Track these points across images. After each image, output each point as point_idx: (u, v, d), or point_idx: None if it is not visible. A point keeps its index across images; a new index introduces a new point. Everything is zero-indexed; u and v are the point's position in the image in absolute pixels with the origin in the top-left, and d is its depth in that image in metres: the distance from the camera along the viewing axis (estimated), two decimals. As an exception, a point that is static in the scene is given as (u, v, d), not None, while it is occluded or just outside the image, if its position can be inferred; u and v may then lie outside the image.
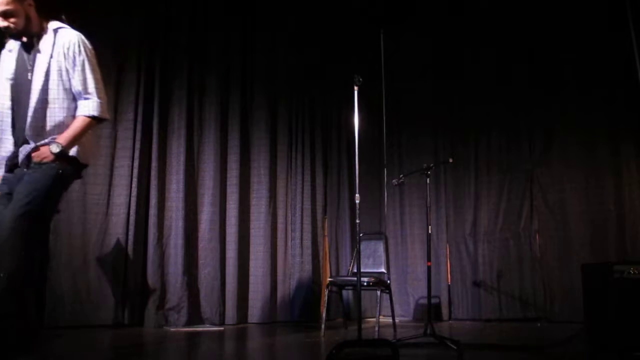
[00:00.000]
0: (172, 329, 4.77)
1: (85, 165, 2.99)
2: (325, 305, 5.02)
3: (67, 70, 2.85)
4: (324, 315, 4.85)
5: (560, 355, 3.40)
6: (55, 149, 2.72)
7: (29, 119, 2.75)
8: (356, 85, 3.44)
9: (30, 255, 2.61)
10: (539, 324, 5.53)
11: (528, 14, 6.07)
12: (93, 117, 2.86)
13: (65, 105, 2.84)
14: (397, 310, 6.04)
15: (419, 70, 6.81)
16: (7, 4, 2.72)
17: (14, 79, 2.85)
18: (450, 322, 6.03)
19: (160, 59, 5.32)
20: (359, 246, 3.46)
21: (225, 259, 5.49)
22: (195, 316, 5.16)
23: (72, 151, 2.82)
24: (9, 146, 2.85)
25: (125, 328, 4.70)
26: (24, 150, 2.79)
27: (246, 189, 5.80)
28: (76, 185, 4.72)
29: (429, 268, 3.98)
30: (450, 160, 4.28)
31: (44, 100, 2.79)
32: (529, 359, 3.25)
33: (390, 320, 5.18)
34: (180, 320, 5.01)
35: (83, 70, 2.86)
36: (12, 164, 2.85)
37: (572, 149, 5.79)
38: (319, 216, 6.29)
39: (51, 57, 2.83)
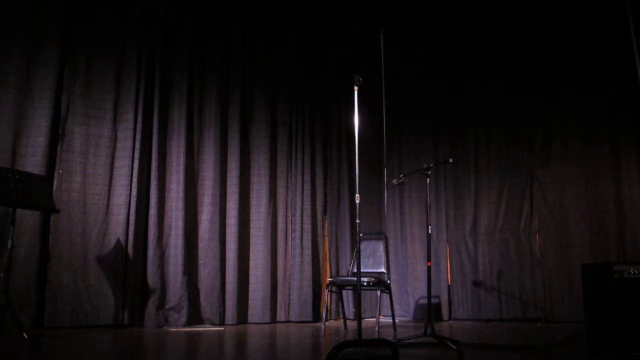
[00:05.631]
0: (172, 329, 4.77)
1: None
2: (325, 305, 5.02)
3: None
4: (324, 315, 4.85)
5: (561, 355, 3.40)
6: None
7: None
8: (356, 85, 3.44)
9: None
10: (539, 324, 5.52)
11: (528, 14, 6.08)
12: None
13: None
14: (397, 310, 6.04)
15: (419, 70, 6.81)
16: None
17: None
18: (450, 322, 6.03)
19: (160, 59, 5.33)
20: (359, 246, 3.45)
21: (225, 259, 5.49)
22: (195, 316, 5.17)
23: None
24: None
25: (125, 328, 4.70)
26: None
27: (246, 189, 5.80)
28: (76, 185, 4.75)
29: (429, 268, 3.98)
30: (450, 160, 4.28)
31: None
32: (529, 359, 3.24)
33: (390, 320, 5.18)
34: (180, 320, 5.01)
35: None
36: None
37: (572, 149, 5.79)
38: (319, 216, 6.29)
39: None
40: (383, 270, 5.07)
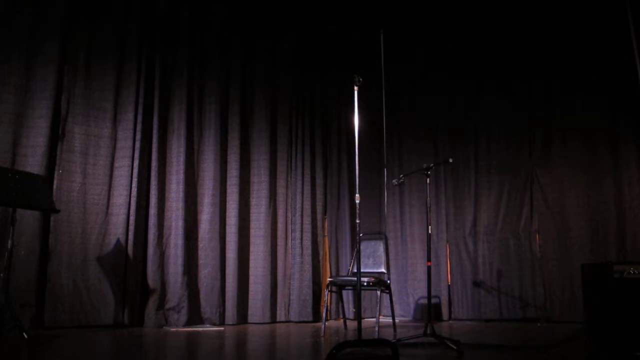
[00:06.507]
0: (172, 329, 4.77)
1: None
2: (325, 305, 5.02)
3: None
4: (324, 315, 4.85)
5: (560, 355, 3.40)
6: None
7: None
8: (356, 85, 3.44)
9: None
10: (539, 324, 5.53)
11: (528, 14, 6.08)
12: None
13: None
14: (397, 310, 6.04)
15: (419, 70, 6.81)
16: None
17: None
18: (450, 322, 6.03)
19: (160, 59, 5.33)
20: (359, 246, 3.46)
21: (225, 259, 5.49)
22: (195, 316, 5.16)
23: None
24: None
25: (125, 328, 4.70)
26: None
27: (246, 189, 5.80)
28: (76, 185, 4.75)
29: (429, 268, 3.97)
30: (450, 160, 4.27)
31: None
32: (529, 359, 3.25)
33: (390, 320, 5.18)
34: (180, 320, 5.01)
35: None
36: None
37: (572, 148, 5.79)
38: (319, 216, 6.29)
39: None
40: (383, 270, 5.07)
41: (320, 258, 6.20)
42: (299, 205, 6.09)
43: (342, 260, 6.44)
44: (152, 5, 5.37)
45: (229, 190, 5.65)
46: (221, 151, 5.61)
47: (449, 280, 6.28)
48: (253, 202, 5.84)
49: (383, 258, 5.12)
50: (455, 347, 3.39)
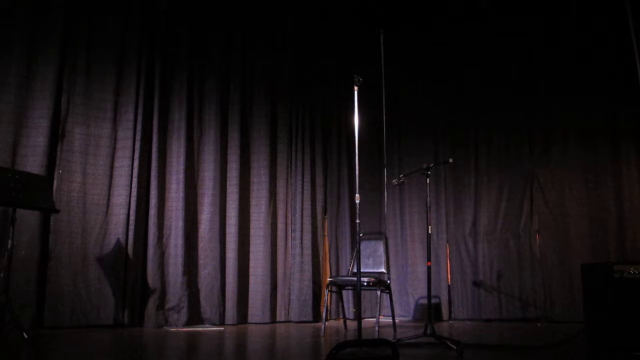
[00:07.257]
0: (172, 329, 4.77)
1: None
2: (325, 305, 5.02)
3: None
4: (324, 315, 4.85)
5: (560, 355, 3.40)
6: None
7: None
8: (356, 85, 3.45)
9: None
10: (539, 324, 5.53)
11: (528, 14, 6.08)
12: None
13: None
14: (397, 310, 6.04)
15: (419, 70, 6.80)
16: None
17: None
18: (450, 322, 6.03)
19: (160, 59, 5.33)
20: (359, 246, 3.46)
21: (225, 259, 5.49)
22: (195, 316, 5.16)
23: None
24: None
25: (125, 328, 4.70)
26: None
27: (246, 189, 5.80)
28: (76, 185, 4.75)
29: (429, 268, 3.97)
30: (450, 160, 4.27)
31: None
32: (529, 359, 3.25)
33: (390, 320, 5.18)
34: (180, 320, 5.01)
35: None
36: None
37: (572, 149, 5.80)
38: (319, 216, 6.29)
39: None
40: (383, 270, 5.07)
41: (320, 258, 6.20)
42: (299, 205, 6.09)
43: (342, 260, 6.44)
44: (152, 5, 5.37)
45: (229, 190, 5.65)
46: (221, 151, 5.61)
47: (449, 280, 6.28)
48: (253, 202, 5.84)
49: (383, 258, 5.12)
50: (455, 347, 3.39)
